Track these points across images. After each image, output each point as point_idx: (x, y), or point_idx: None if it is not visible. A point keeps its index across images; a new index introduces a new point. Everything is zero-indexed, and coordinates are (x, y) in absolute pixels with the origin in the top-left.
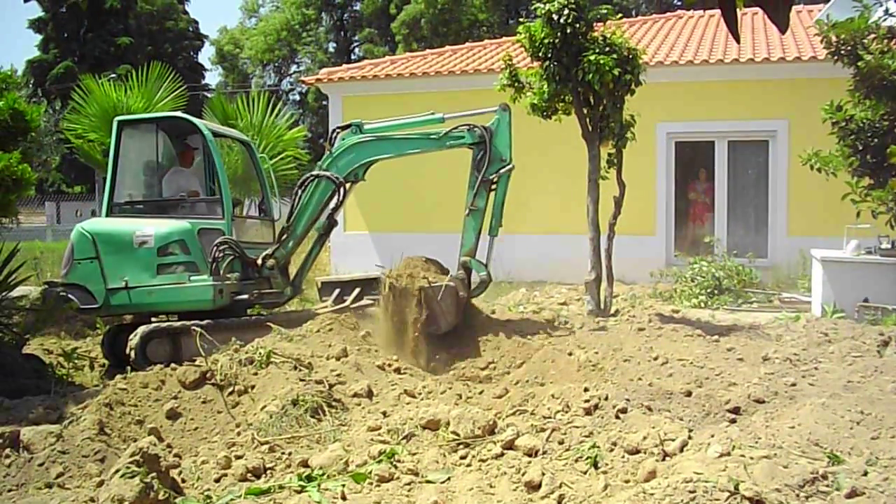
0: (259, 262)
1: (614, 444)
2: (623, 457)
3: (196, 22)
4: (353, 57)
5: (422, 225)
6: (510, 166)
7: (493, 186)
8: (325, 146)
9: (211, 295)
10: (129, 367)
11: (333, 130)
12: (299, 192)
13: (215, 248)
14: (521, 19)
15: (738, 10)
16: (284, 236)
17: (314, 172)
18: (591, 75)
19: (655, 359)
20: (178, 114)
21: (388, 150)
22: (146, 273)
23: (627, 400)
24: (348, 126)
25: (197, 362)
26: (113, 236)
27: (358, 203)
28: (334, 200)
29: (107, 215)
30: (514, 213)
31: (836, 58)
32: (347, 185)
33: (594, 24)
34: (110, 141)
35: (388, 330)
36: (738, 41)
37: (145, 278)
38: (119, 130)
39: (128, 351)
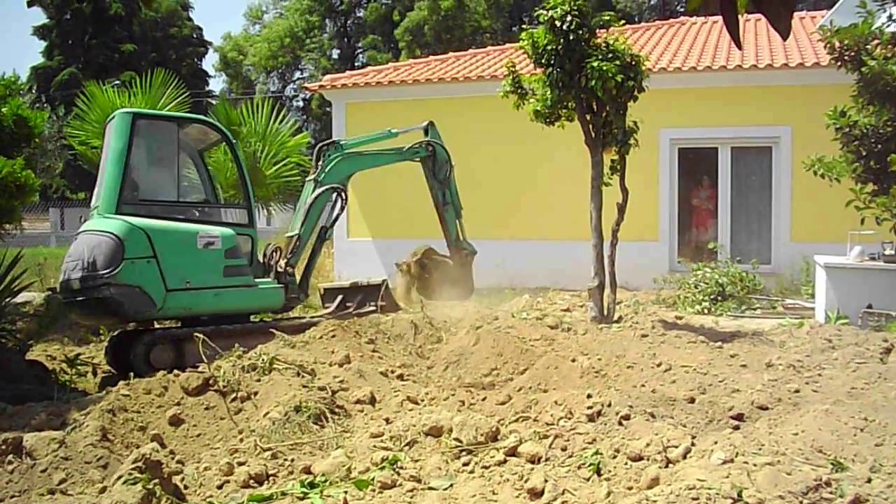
0: (280, 268)
1: (617, 450)
2: (626, 464)
3: (200, 28)
4: (356, 63)
5: (423, 231)
6: (452, 165)
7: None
8: (313, 161)
9: (282, 297)
10: (132, 374)
11: (318, 147)
12: (310, 204)
13: (273, 253)
14: (524, 26)
15: (739, 15)
16: (296, 245)
17: (324, 187)
18: (593, 82)
19: (658, 365)
20: (202, 117)
21: (368, 163)
22: (212, 275)
23: (630, 406)
24: (331, 143)
25: (200, 369)
26: (172, 234)
27: (361, 210)
28: (338, 207)
29: (115, 212)
30: (518, 220)
31: (839, 64)
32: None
33: (597, 30)
34: (118, 133)
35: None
36: (739, 47)
37: (211, 280)
38: (132, 124)
39: (131, 357)
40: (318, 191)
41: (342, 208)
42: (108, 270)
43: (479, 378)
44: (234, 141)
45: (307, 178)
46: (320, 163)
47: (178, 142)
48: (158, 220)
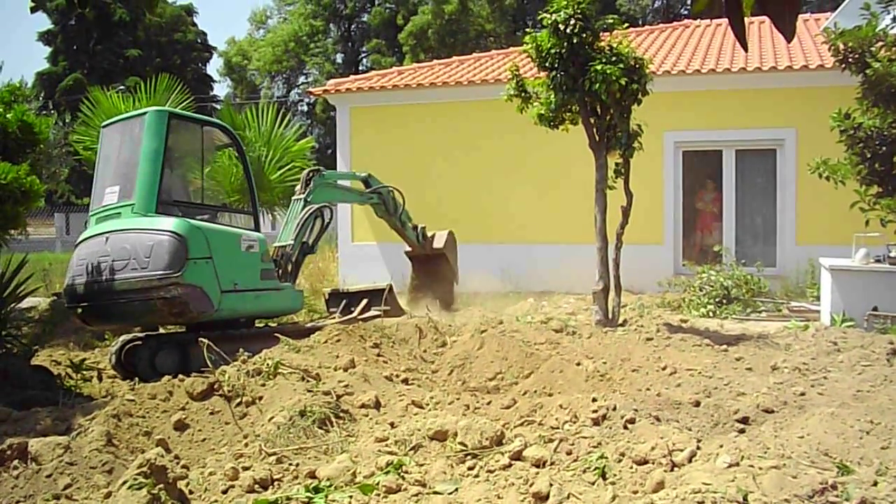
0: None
1: (622, 454)
2: (631, 467)
3: (204, 33)
4: (360, 68)
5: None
6: (401, 194)
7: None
8: (301, 184)
9: (301, 300)
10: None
11: (305, 173)
12: (303, 220)
13: (291, 256)
14: (527, 29)
15: (745, 18)
16: (286, 256)
17: (315, 205)
18: (597, 85)
19: (664, 369)
20: (221, 122)
21: (340, 197)
22: (253, 278)
23: (635, 410)
24: (316, 170)
25: (205, 373)
26: (223, 236)
27: (366, 214)
28: (318, 226)
29: (154, 211)
30: (522, 223)
31: (843, 66)
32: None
33: (600, 33)
34: (153, 132)
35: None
36: (745, 49)
37: (251, 283)
38: (168, 123)
39: (136, 362)
40: (309, 209)
41: (326, 226)
42: (172, 270)
43: (484, 382)
44: (242, 146)
45: (294, 198)
46: (309, 186)
47: (202, 143)
48: (209, 223)
